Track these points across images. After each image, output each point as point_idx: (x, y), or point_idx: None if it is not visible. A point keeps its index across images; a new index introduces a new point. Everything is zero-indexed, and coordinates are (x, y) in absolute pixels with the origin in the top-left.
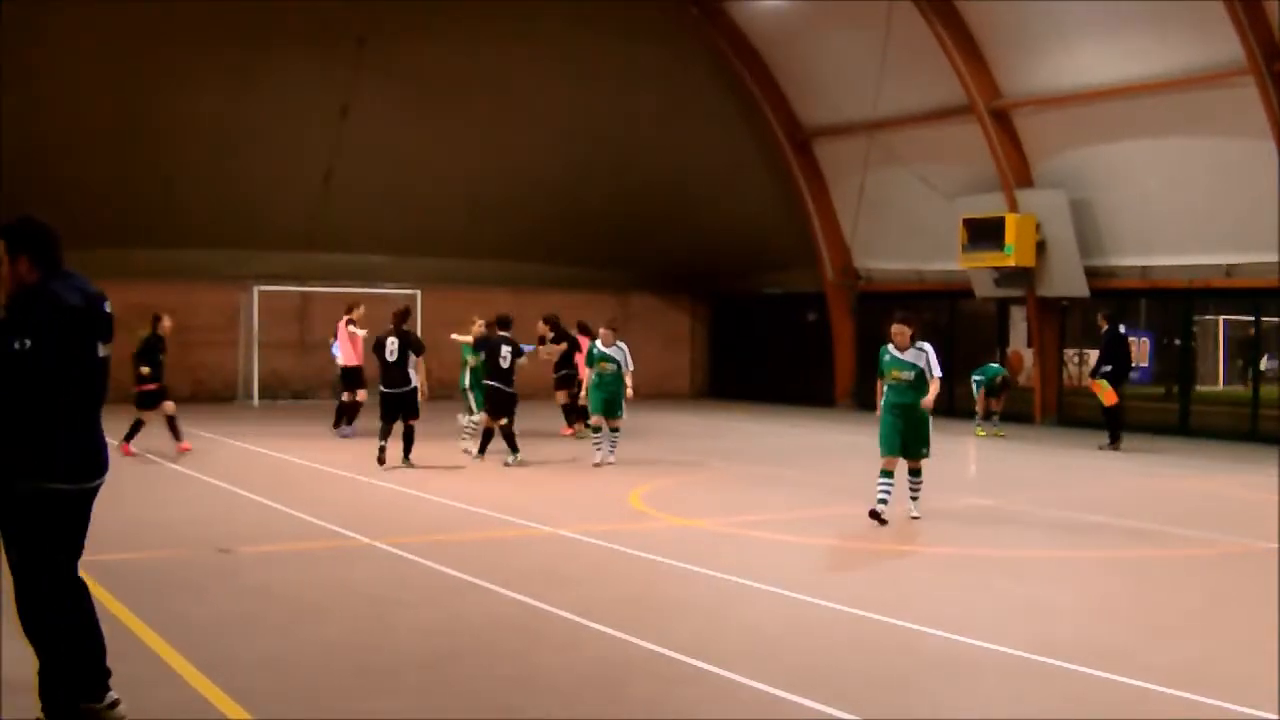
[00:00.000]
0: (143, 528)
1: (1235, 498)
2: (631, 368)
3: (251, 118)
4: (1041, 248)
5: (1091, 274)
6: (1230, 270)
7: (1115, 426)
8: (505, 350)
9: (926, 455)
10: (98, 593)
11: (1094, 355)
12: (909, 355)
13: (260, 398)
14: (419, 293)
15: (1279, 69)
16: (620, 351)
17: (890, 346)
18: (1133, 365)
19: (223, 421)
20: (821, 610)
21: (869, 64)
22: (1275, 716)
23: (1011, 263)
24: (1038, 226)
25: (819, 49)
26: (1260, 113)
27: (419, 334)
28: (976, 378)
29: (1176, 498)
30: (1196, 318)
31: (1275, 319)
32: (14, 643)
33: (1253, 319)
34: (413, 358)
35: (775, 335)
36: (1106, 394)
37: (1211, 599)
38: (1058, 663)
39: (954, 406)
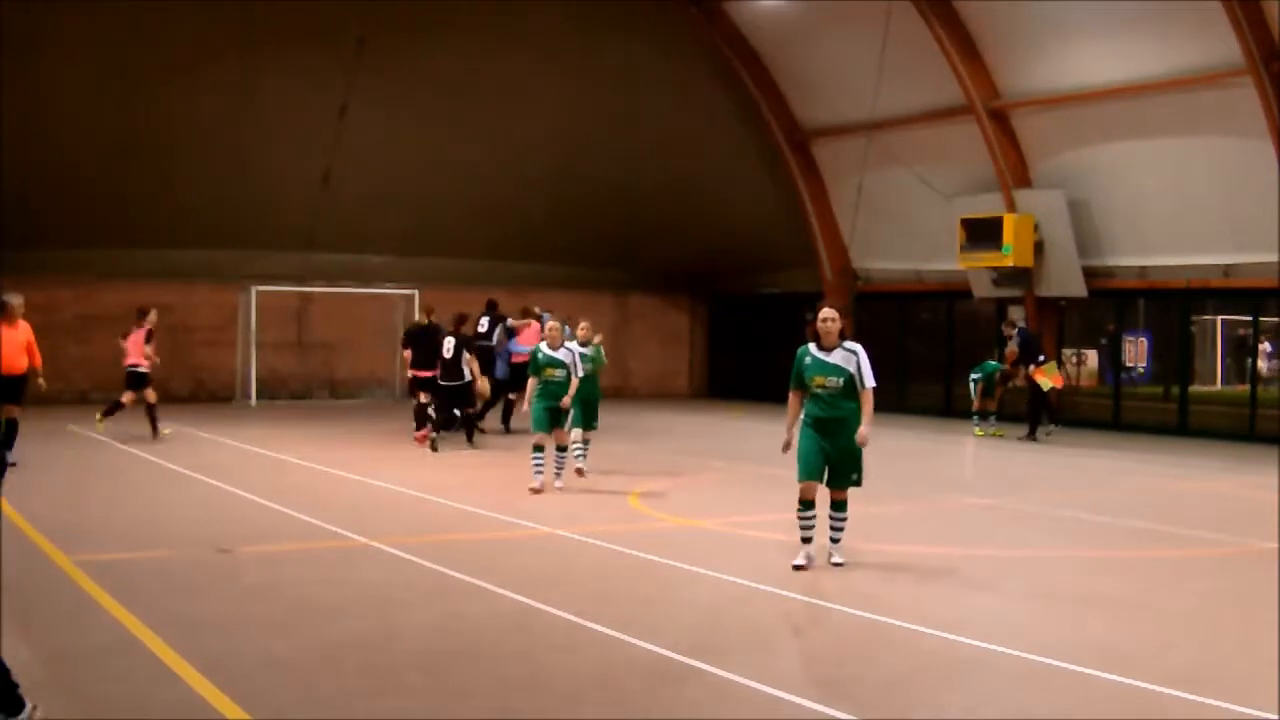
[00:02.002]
0: (143, 528)
1: (1235, 498)
2: (580, 374)
3: (251, 118)
4: (1040, 248)
5: (1090, 274)
6: (1228, 270)
7: (1051, 411)
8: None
9: (857, 483)
10: (98, 593)
11: (1091, 355)
12: (837, 357)
13: (259, 398)
14: (417, 293)
15: (1277, 69)
16: (570, 355)
17: (812, 347)
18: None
19: (222, 421)
20: (821, 610)
21: (867, 64)
22: (1275, 717)
23: (1010, 263)
24: (1036, 227)
25: (818, 49)
26: (1258, 113)
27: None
28: (974, 376)
29: (1177, 498)
30: (1195, 318)
31: (1274, 319)
32: (14, 642)
33: (1250, 319)
34: (466, 355)
35: (774, 335)
36: (1055, 376)
37: (1212, 599)
38: (1058, 663)
39: (952, 407)
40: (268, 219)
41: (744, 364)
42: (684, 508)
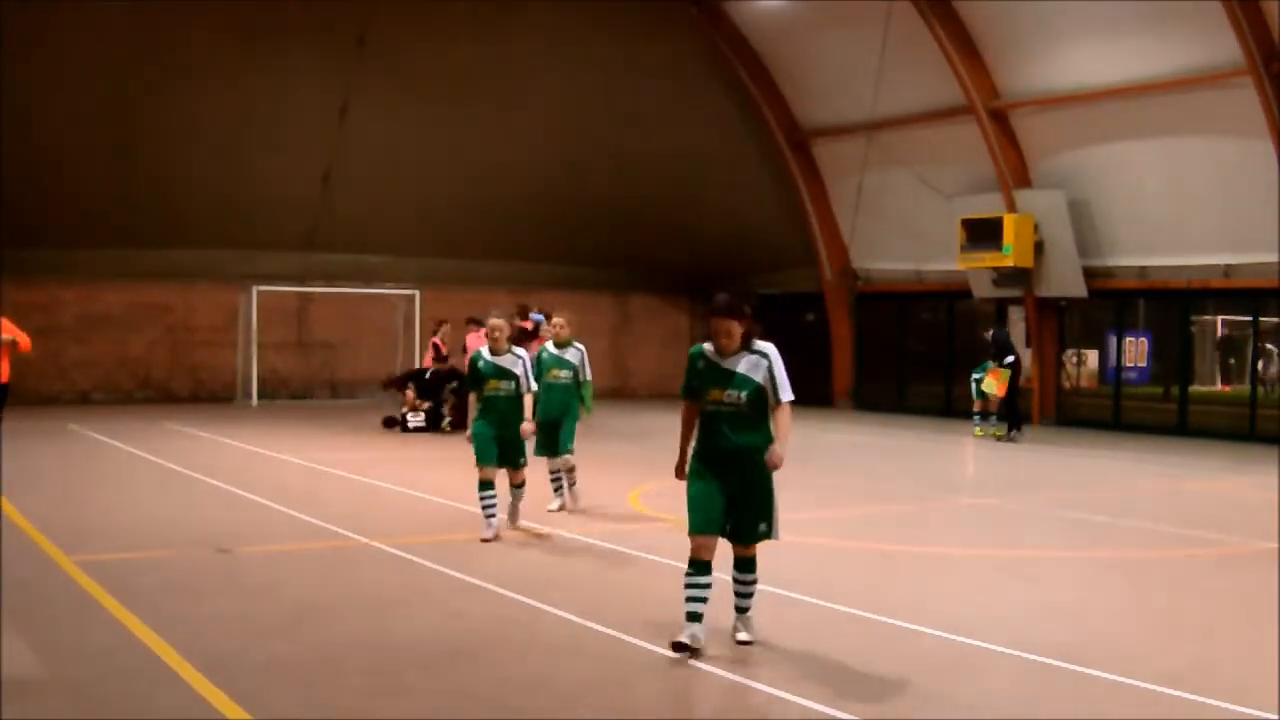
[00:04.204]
0: (143, 528)
1: (1235, 498)
2: (534, 388)
3: (251, 118)
4: (1040, 248)
5: (1090, 274)
6: (1229, 270)
7: (1015, 416)
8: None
9: (768, 534)
10: (98, 593)
11: (1091, 355)
12: (742, 364)
13: (260, 398)
14: (418, 293)
15: (1277, 69)
16: (519, 362)
17: (707, 347)
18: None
19: (222, 422)
20: (821, 610)
21: (868, 64)
22: (1275, 717)
23: (1010, 263)
24: (1036, 227)
25: (818, 49)
26: (1258, 113)
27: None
28: (976, 376)
29: (1177, 498)
30: (1195, 318)
31: (1275, 319)
32: (14, 642)
33: (1249, 319)
34: None
35: (774, 335)
36: (1000, 385)
37: (1212, 599)
38: (1058, 663)
39: (952, 407)
40: (268, 219)
41: None
42: (684, 508)
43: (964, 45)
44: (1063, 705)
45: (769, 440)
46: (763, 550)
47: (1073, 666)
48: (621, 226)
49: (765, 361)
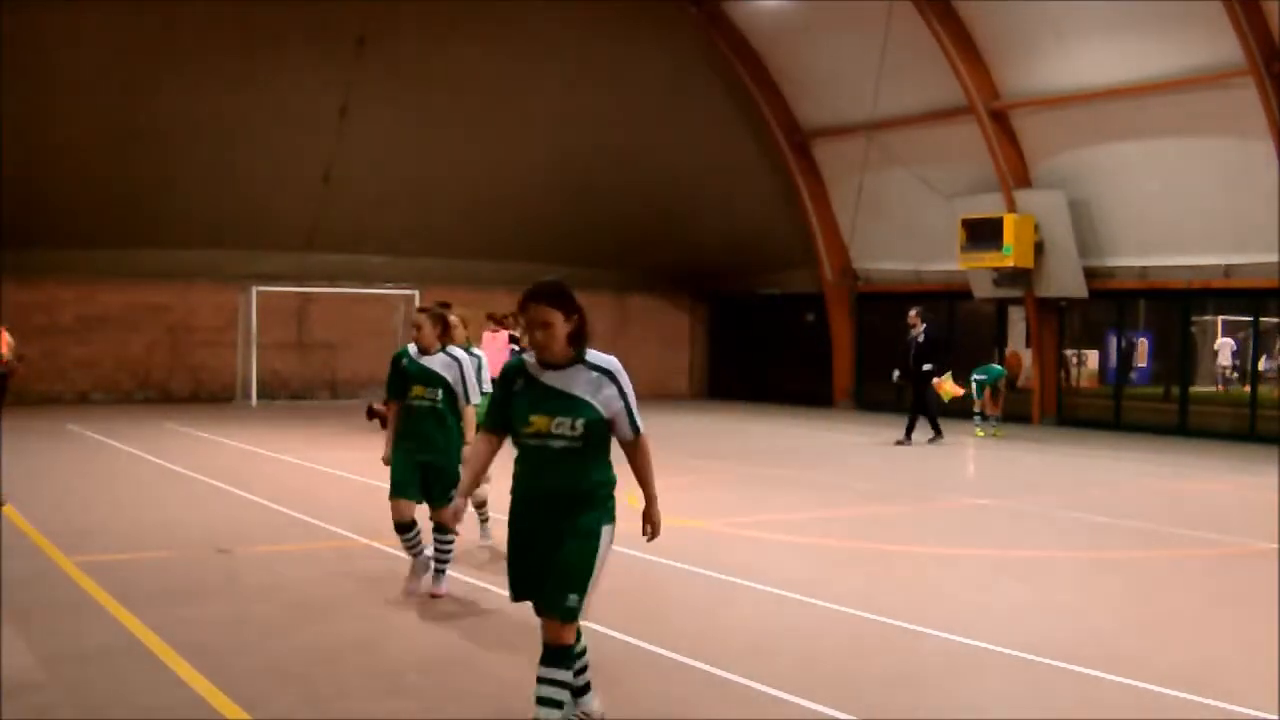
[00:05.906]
0: (143, 528)
1: (1235, 498)
2: (475, 400)
3: (251, 118)
4: (1040, 248)
5: (1090, 275)
6: (1229, 271)
7: (933, 416)
8: None
9: (574, 613)
10: (98, 593)
11: (1092, 355)
12: (578, 384)
13: (259, 398)
14: (418, 293)
15: (1278, 70)
16: (453, 366)
17: (529, 359)
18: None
19: (222, 422)
20: (821, 610)
21: (868, 64)
22: (1275, 717)
23: (1010, 263)
24: (1036, 227)
25: (818, 49)
26: (1259, 113)
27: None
28: (978, 378)
29: (1176, 498)
30: (1195, 318)
31: (1275, 319)
32: (14, 642)
33: (1250, 319)
34: None
35: (775, 335)
36: (955, 388)
37: (1212, 599)
38: (1058, 663)
39: (952, 407)
40: (268, 219)
41: (744, 364)
42: (683, 508)
43: (964, 45)
44: (1062, 705)
45: (606, 482)
46: (763, 549)
47: (1072, 666)
48: (621, 226)
49: (612, 385)
